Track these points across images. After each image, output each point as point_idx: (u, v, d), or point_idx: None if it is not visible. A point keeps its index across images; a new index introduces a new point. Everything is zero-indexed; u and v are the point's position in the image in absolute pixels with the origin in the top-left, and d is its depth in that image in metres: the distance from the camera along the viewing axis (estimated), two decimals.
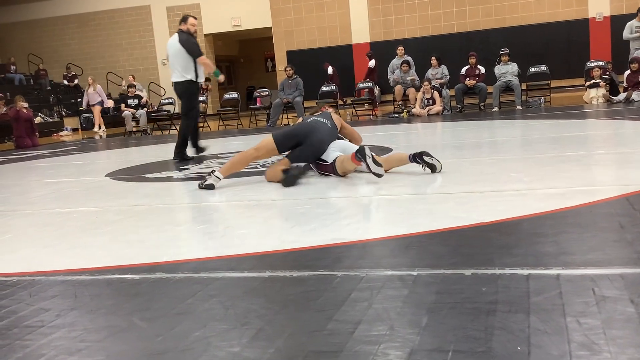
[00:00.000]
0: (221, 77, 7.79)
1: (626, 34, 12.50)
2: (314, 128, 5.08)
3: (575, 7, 15.75)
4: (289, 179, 4.70)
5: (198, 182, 5.08)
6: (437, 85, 12.31)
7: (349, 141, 5.38)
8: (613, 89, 11.76)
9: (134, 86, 15.36)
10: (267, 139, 5.09)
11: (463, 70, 12.63)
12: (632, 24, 12.51)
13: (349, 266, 2.53)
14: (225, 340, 1.88)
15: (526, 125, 8.65)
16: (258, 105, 15.07)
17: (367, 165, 4.46)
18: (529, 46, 15.25)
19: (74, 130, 16.98)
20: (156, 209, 4.30)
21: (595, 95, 11.50)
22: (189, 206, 4.53)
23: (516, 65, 12.36)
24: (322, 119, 5.24)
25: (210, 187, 4.84)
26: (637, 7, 12.66)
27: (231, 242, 3.12)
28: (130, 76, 17.45)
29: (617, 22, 15.15)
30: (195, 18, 7.67)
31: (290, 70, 13.60)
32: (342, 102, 14.67)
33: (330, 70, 15.48)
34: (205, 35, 20.21)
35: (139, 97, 14.92)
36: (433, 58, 13.02)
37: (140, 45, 20.83)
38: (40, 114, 16.58)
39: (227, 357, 1.77)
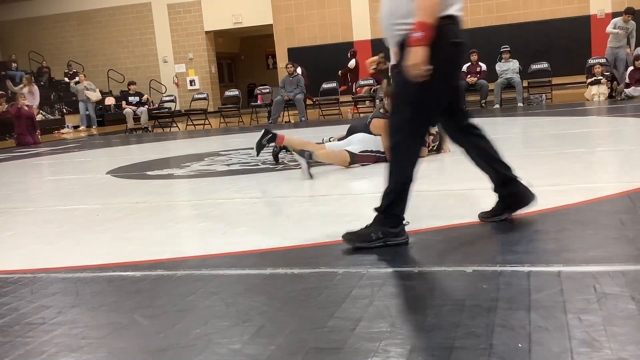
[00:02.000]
0: None
1: (609, 28, 12.47)
2: (351, 128, 5.72)
3: (576, 4, 15.73)
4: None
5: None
6: None
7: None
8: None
9: (134, 83, 15.35)
10: None
11: (464, 68, 12.59)
12: (617, 21, 12.46)
13: (350, 263, 2.53)
14: (227, 337, 1.88)
15: (527, 122, 8.64)
16: (259, 102, 15.05)
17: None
18: (531, 43, 15.23)
19: (75, 127, 16.98)
20: (157, 207, 4.30)
21: (597, 92, 11.48)
22: (190, 203, 4.54)
23: (517, 63, 12.35)
24: (371, 117, 5.63)
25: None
26: (626, 7, 12.59)
27: (232, 240, 3.12)
28: (82, 75, 17.47)
29: None
30: None
31: (291, 67, 13.59)
32: (311, 102, 14.52)
33: (299, 70, 15.27)
34: (206, 32, 20.20)
35: (140, 95, 14.92)
36: None
37: (141, 42, 20.82)
38: (41, 111, 16.58)
39: (228, 354, 1.77)
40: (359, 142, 5.28)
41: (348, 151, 5.23)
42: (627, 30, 12.32)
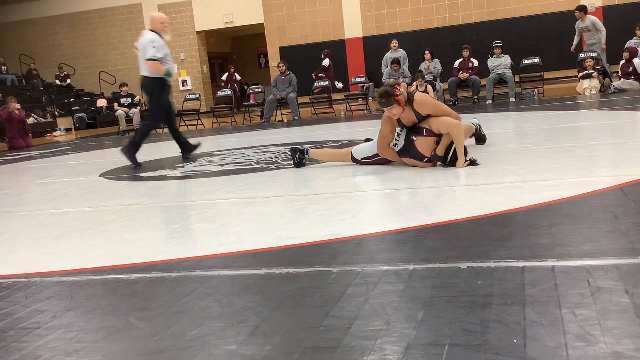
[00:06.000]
0: None
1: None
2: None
3: None
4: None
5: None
6: (431, 79, 12.31)
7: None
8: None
9: (126, 85, 15.29)
10: None
11: (456, 64, 12.64)
12: (578, 22, 12.56)
13: (345, 262, 2.53)
14: (222, 338, 1.88)
15: (520, 117, 8.66)
16: (252, 102, 15.04)
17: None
18: (522, 38, 15.27)
19: (67, 130, 16.92)
20: (151, 208, 4.29)
21: (588, 86, 11.52)
22: (183, 204, 4.53)
23: (509, 58, 12.38)
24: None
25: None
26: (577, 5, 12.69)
27: (226, 240, 3.12)
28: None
29: (610, 12, 15.15)
30: None
31: (283, 66, 13.57)
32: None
33: (227, 73, 16.13)
34: (198, 32, 20.16)
35: (132, 96, 14.87)
36: (427, 52, 13.02)
37: (132, 43, 20.73)
38: (33, 114, 16.52)
39: (224, 355, 1.77)
40: (363, 151, 5.24)
41: (352, 155, 5.24)
42: (585, 28, 12.43)
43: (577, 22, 12.53)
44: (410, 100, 4.71)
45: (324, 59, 15.02)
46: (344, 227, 3.15)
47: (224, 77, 17.41)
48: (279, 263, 2.61)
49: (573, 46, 12.64)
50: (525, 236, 2.65)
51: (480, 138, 5.64)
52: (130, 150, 6.90)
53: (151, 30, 7.03)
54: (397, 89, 4.72)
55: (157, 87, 6.89)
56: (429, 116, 4.72)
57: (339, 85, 14.10)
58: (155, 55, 6.77)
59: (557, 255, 2.33)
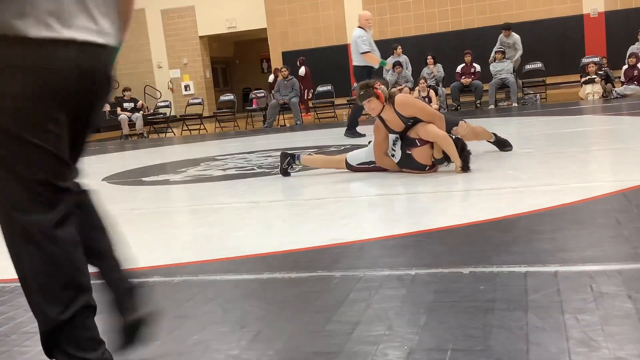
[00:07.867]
0: None
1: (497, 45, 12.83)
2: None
3: (569, 3, 15.76)
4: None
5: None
6: (433, 84, 12.32)
7: None
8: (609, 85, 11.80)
9: (129, 89, 15.31)
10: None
11: (458, 69, 12.64)
12: (500, 37, 12.80)
13: (347, 267, 2.53)
14: (225, 343, 1.88)
15: (522, 122, 8.66)
16: (254, 106, 15.05)
17: None
18: (524, 43, 15.24)
19: None
20: (154, 213, 4.29)
21: (591, 91, 11.52)
22: (186, 209, 4.53)
23: (511, 63, 12.38)
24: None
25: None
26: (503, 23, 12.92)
27: (229, 245, 3.12)
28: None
29: (612, 17, 15.16)
30: None
31: (285, 71, 13.59)
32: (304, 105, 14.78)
33: (302, 70, 15.93)
34: (200, 37, 20.19)
35: (135, 101, 14.89)
36: (429, 57, 13.02)
37: (135, 48, 20.78)
38: None
39: None
40: (359, 157, 5.14)
41: (347, 161, 5.14)
42: (507, 44, 12.66)
43: (500, 36, 12.80)
44: (391, 100, 4.69)
45: (300, 67, 15.02)
46: (346, 231, 3.15)
47: (270, 79, 16.70)
48: (282, 268, 2.61)
49: (491, 58, 12.68)
50: (528, 241, 2.65)
51: (501, 143, 5.40)
52: (352, 130, 8.75)
53: (359, 27, 8.58)
54: (377, 83, 4.78)
55: (365, 74, 8.20)
56: (415, 121, 4.66)
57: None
58: (366, 50, 8.38)
59: (560, 261, 2.33)
